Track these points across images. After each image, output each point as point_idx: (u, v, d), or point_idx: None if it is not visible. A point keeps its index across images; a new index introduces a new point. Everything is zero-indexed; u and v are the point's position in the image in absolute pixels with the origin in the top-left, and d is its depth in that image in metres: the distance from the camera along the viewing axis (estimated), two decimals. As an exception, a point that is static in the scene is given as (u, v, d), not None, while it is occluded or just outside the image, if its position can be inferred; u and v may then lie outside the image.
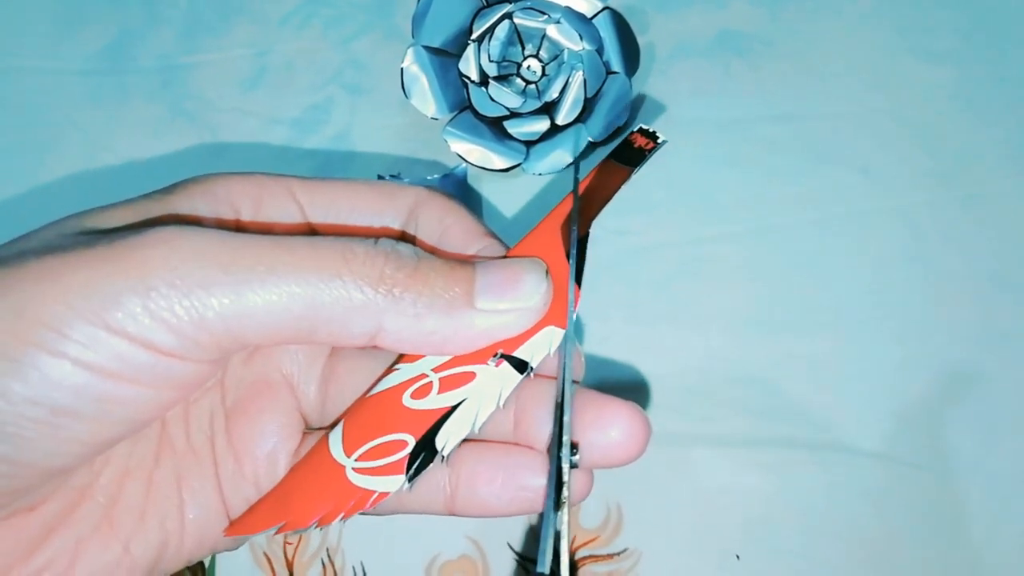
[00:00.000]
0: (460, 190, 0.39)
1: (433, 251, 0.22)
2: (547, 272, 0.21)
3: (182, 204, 0.20)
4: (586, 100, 0.39)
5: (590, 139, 0.39)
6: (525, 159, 0.39)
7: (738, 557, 0.34)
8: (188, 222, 0.20)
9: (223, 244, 0.18)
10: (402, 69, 0.39)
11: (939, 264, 0.37)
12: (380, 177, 0.39)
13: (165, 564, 0.21)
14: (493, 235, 0.23)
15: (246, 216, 0.21)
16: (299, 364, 0.23)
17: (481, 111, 0.39)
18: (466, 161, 0.38)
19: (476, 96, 0.39)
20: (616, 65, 0.39)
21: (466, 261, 0.21)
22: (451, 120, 0.39)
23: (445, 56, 0.39)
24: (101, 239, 0.18)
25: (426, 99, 0.39)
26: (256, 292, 0.18)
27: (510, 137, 0.39)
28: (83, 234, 0.19)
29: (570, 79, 0.39)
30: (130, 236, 0.18)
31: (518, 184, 0.39)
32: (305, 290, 0.18)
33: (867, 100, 0.40)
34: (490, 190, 0.39)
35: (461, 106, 0.39)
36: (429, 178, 0.39)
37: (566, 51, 0.39)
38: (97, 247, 0.17)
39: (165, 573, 0.21)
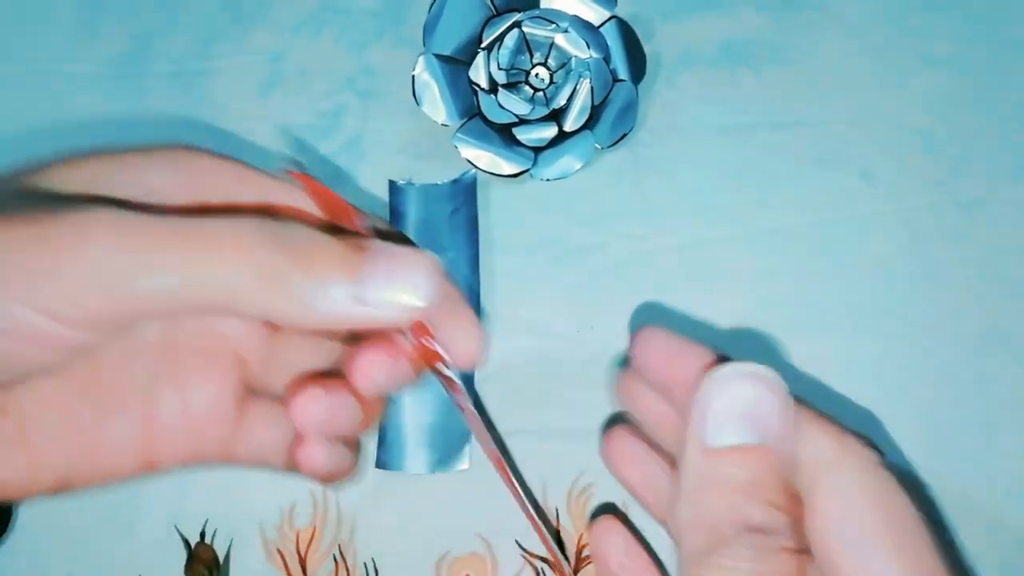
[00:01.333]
0: (469, 195, 0.40)
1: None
2: (437, 266, 0.21)
3: (150, 170, 0.22)
4: (593, 107, 0.40)
5: (597, 145, 0.39)
6: (533, 165, 0.39)
7: None
8: (147, 191, 0.21)
9: (127, 226, 0.19)
10: (413, 76, 0.40)
11: (939, 268, 0.38)
12: (391, 182, 0.40)
13: (74, 481, 0.23)
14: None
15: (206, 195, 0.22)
16: (240, 330, 0.24)
17: (490, 118, 0.40)
18: (475, 167, 0.39)
19: (485, 103, 0.40)
20: (623, 73, 0.40)
21: (360, 246, 0.21)
22: (461, 126, 0.40)
23: (455, 64, 0.40)
24: (25, 210, 0.19)
25: (436, 106, 0.40)
26: (148, 278, 0.19)
27: (519, 143, 0.40)
28: (22, 196, 0.20)
29: (577, 86, 0.39)
30: (53, 210, 0.19)
31: (526, 189, 0.40)
32: (195, 277, 0.19)
33: (868, 106, 0.41)
34: (499, 195, 0.40)
35: (471, 113, 0.40)
36: (439, 183, 0.40)
37: (574, 59, 0.40)
38: (17, 216, 0.19)
39: (74, 487, 0.23)
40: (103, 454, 0.24)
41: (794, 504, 0.20)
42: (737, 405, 0.20)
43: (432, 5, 0.40)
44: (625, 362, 0.23)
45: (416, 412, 0.37)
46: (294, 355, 0.25)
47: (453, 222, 0.39)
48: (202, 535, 0.36)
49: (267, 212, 0.23)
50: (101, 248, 0.19)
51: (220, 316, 0.23)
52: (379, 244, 0.21)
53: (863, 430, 0.36)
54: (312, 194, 0.21)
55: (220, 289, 0.19)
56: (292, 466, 0.25)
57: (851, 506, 0.19)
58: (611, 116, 0.40)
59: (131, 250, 0.19)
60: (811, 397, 0.36)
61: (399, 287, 0.20)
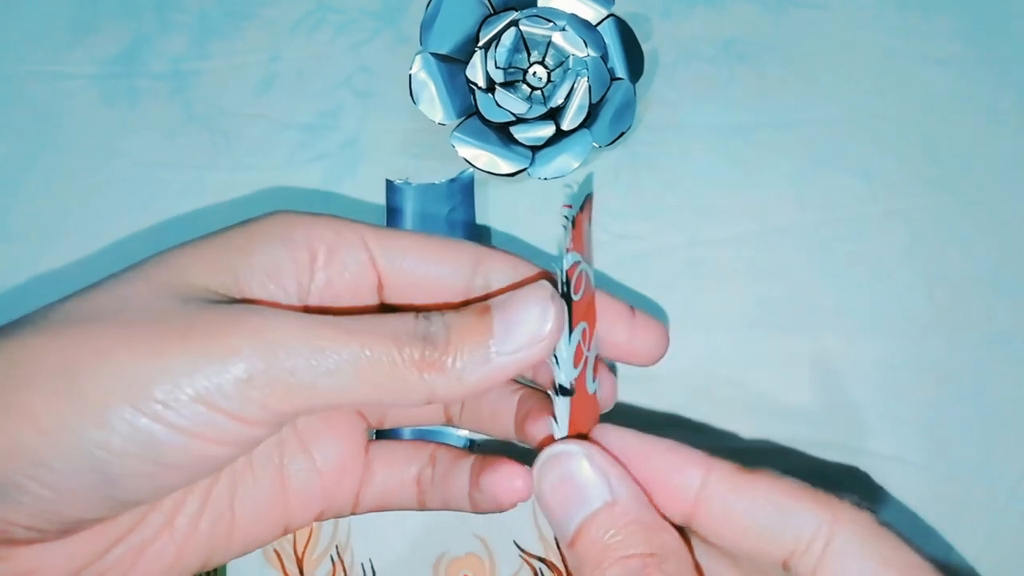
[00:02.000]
0: (467, 195, 0.40)
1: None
2: (551, 295, 0.22)
3: (261, 251, 0.23)
4: (591, 106, 0.39)
5: (595, 144, 0.39)
6: (531, 164, 0.39)
7: None
8: (267, 271, 0.23)
9: (303, 331, 0.21)
10: (410, 75, 0.39)
11: (939, 267, 0.38)
12: (388, 181, 0.40)
13: (214, 561, 0.25)
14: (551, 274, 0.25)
15: (320, 262, 0.23)
16: None
17: (488, 117, 0.40)
18: (473, 166, 0.39)
19: (483, 102, 0.40)
20: (620, 71, 0.40)
21: (484, 307, 0.22)
22: (458, 126, 0.39)
23: (452, 63, 0.40)
24: (197, 319, 0.21)
25: (434, 105, 0.39)
26: (328, 376, 0.21)
27: (516, 142, 0.39)
28: (176, 297, 0.21)
29: (575, 85, 0.39)
30: (225, 321, 0.21)
31: (524, 188, 0.40)
32: (367, 373, 0.21)
33: (869, 105, 0.40)
34: (496, 194, 0.40)
35: (468, 112, 0.40)
36: (436, 182, 0.40)
37: (571, 58, 0.40)
38: (197, 328, 0.20)
39: (213, 567, 0.25)
40: (242, 528, 0.25)
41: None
42: (557, 492, 0.22)
43: (429, 4, 0.40)
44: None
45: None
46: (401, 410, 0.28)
47: (450, 221, 0.39)
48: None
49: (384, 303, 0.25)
50: (284, 349, 0.20)
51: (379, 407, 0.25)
52: (499, 297, 0.23)
53: (863, 430, 0.36)
54: (577, 226, 0.23)
55: (388, 383, 0.21)
56: (423, 505, 0.27)
57: (862, 572, 0.19)
58: (609, 115, 0.39)
59: (310, 353, 0.21)
60: (811, 394, 0.36)
61: (528, 327, 0.22)
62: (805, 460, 0.36)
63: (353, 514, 0.27)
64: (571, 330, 0.23)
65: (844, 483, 0.35)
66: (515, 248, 0.39)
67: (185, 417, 0.20)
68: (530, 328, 0.22)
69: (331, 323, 0.21)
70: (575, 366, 0.23)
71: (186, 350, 0.20)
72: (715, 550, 0.23)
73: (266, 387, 0.20)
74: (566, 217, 0.24)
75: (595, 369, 0.25)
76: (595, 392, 0.25)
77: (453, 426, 0.29)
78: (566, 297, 0.23)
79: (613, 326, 0.25)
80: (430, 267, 0.24)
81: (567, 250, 0.23)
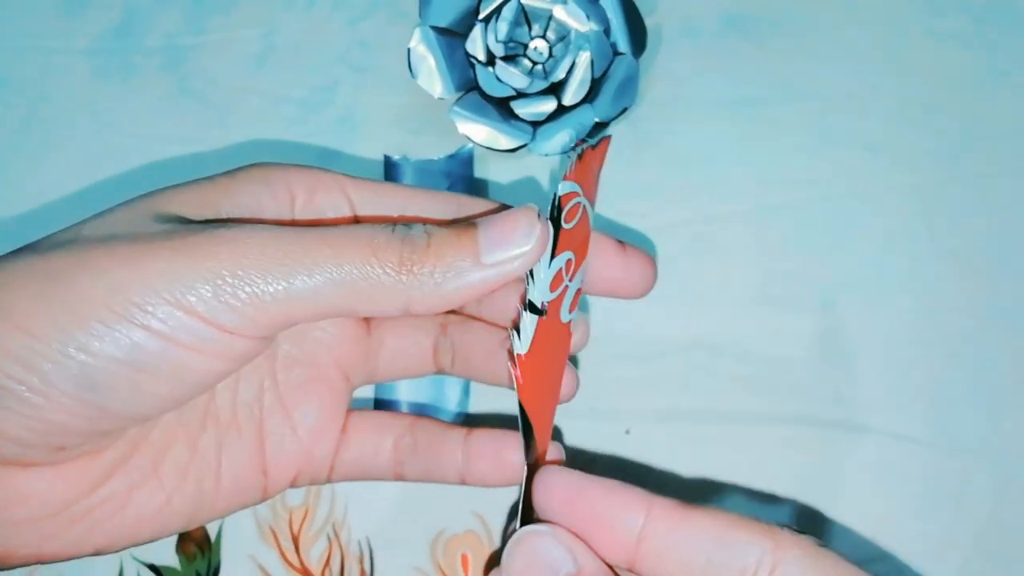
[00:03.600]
0: (466, 170, 0.39)
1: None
2: (539, 214, 0.23)
3: (243, 190, 0.24)
4: (593, 81, 0.39)
5: (597, 119, 0.39)
6: (532, 139, 0.39)
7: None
8: (249, 209, 0.24)
9: (277, 239, 0.21)
10: (409, 49, 0.39)
11: (945, 242, 0.38)
12: (387, 157, 0.39)
13: (200, 517, 0.25)
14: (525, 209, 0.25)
15: (299, 204, 0.24)
16: (342, 342, 0.27)
17: (488, 91, 0.39)
18: (472, 141, 0.39)
19: (483, 76, 0.39)
20: (623, 46, 0.39)
21: (469, 224, 0.23)
22: (458, 100, 0.39)
23: (452, 36, 0.39)
24: (176, 231, 0.21)
25: (433, 79, 0.39)
26: (303, 280, 0.21)
27: (517, 117, 0.39)
28: (158, 220, 0.22)
29: (577, 60, 0.39)
30: (203, 232, 0.21)
31: (524, 164, 0.39)
32: (342, 276, 0.21)
33: (874, 80, 0.40)
34: (496, 170, 0.39)
35: (468, 86, 0.39)
36: (435, 158, 0.39)
37: (573, 32, 0.39)
38: (175, 239, 0.21)
39: (199, 524, 0.25)
40: (225, 486, 0.25)
41: None
42: (526, 570, 0.22)
43: (428, -24, 0.39)
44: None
45: (411, 391, 0.37)
46: (389, 356, 0.29)
47: (449, 197, 0.39)
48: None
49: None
50: (258, 255, 0.21)
51: (354, 316, 0.25)
52: (486, 217, 0.23)
53: (868, 406, 0.35)
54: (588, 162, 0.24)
55: (364, 287, 0.22)
56: (399, 476, 0.27)
57: None
58: (611, 90, 0.39)
59: (283, 256, 0.21)
60: (816, 370, 0.36)
61: (513, 242, 0.22)
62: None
63: (328, 481, 0.28)
64: (553, 255, 0.23)
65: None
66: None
67: (162, 321, 0.21)
68: (514, 242, 0.22)
69: (305, 231, 0.22)
70: (551, 290, 0.24)
71: (162, 256, 0.21)
72: None
73: (239, 292, 0.21)
74: (574, 149, 0.25)
75: (574, 303, 0.25)
76: (569, 323, 0.25)
77: (445, 373, 0.29)
78: (554, 221, 0.23)
79: (605, 261, 0.26)
80: (408, 209, 0.25)
81: (564, 178, 0.23)
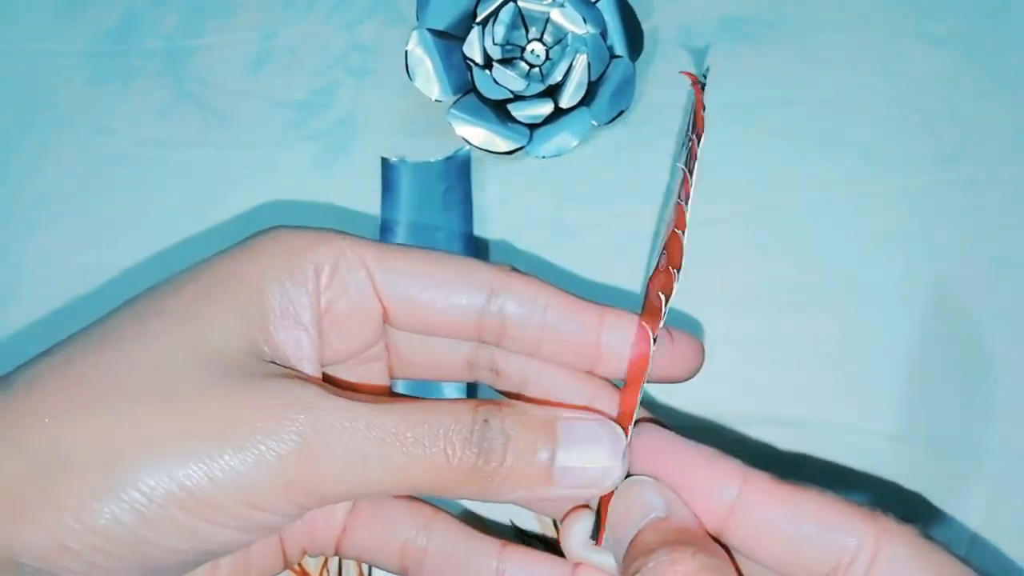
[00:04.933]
0: (463, 172, 0.39)
1: (519, 396, 0.25)
2: (623, 448, 0.22)
3: (278, 292, 0.22)
4: (590, 84, 0.39)
5: (593, 122, 0.39)
6: (528, 142, 0.39)
7: None
8: (281, 309, 0.22)
9: (351, 438, 0.20)
10: (406, 52, 0.39)
11: (940, 246, 0.38)
12: (384, 160, 0.39)
13: None
14: (590, 304, 0.24)
15: (324, 282, 0.23)
16: None
17: (485, 94, 0.39)
18: (469, 144, 0.39)
19: (480, 79, 0.39)
20: (620, 49, 0.39)
21: (549, 427, 0.22)
22: (455, 103, 0.39)
23: (449, 39, 0.39)
24: (243, 408, 0.20)
25: (430, 82, 0.39)
26: (374, 487, 0.21)
27: (514, 120, 0.39)
28: (214, 368, 0.21)
29: (574, 63, 0.39)
30: (270, 414, 0.20)
31: (521, 167, 0.39)
32: (412, 482, 0.21)
33: (869, 83, 0.40)
34: (493, 173, 0.40)
35: (465, 89, 0.39)
36: (432, 160, 0.39)
37: (570, 35, 0.39)
38: (243, 420, 0.20)
39: None
40: (257, 561, 0.25)
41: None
42: (625, 509, 0.22)
43: (426, -21, 0.39)
44: None
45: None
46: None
47: (447, 200, 0.39)
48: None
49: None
50: (328, 461, 0.20)
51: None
52: (567, 419, 0.22)
53: (864, 408, 0.35)
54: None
55: (431, 485, 0.21)
56: (403, 570, 0.26)
57: None
58: (608, 93, 0.39)
59: (357, 463, 0.20)
60: (812, 373, 0.36)
61: (590, 474, 0.22)
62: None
63: (337, 555, 0.27)
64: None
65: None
66: (511, 227, 0.39)
67: (228, 516, 0.20)
68: (592, 476, 0.22)
69: (378, 426, 0.21)
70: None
71: (234, 449, 0.20)
72: (748, 564, 0.22)
73: (305, 490, 0.20)
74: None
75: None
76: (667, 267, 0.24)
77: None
78: (689, 168, 0.23)
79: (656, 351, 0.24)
80: (438, 295, 0.23)
81: (696, 136, 0.23)
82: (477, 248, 0.38)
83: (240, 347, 0.21)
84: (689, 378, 0.26)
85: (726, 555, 0.21)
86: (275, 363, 0.22)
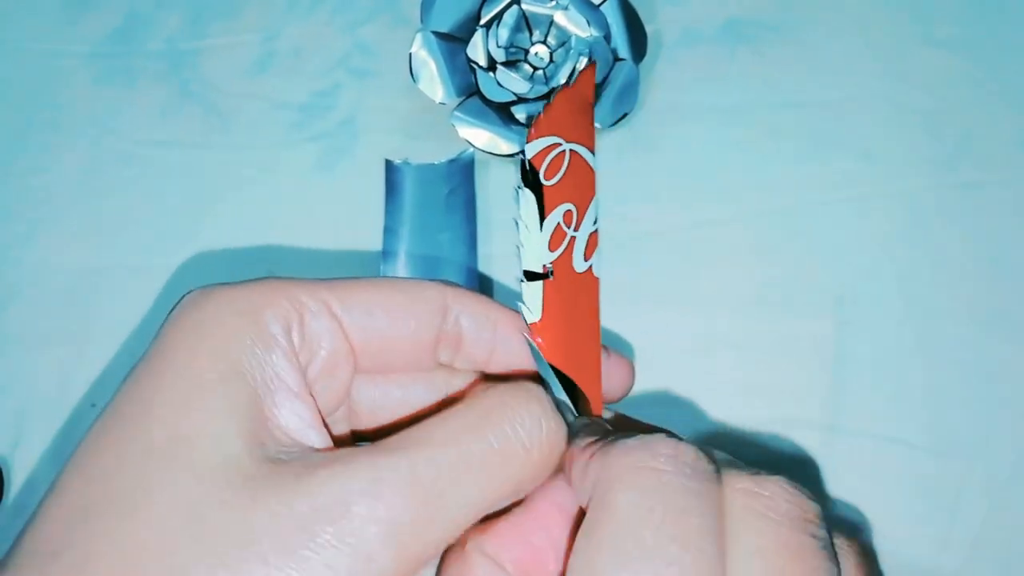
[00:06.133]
0: (467, 175, 0.39)
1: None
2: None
3: (243, 355, 0.19)
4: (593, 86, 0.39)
5: (597, 125, 0.39)
6: (532, 144, 0.39)
7: None
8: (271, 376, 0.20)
9: (420, 482, 0.18)
10: (411, 54, 0.39)
11: (939, 248, 0.38)
12: (388, 162, 0.39)
13: None
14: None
15: (298, 344, 0.21)
16: None
17: (489, 96, 0.39)
18: (473, 146, 0.39)
19: (484, 81, 0.39)
20: (623, 52, 0.40)
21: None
22: (459, 105, 0.39)
23: (453, 41, 0.39)
24: (310, 542, 0.17)
25: (434, 84, 0.39)
26: (465, 521, 0.19)
27: (517, 122, 0.39)
28: (238, 499, 0.18)
29: (577, 65, 0.39)
30: (348, 539, 0.18)
31: (525, 169, 0.40)
32: (501, 492, 0.20)
33: (870, 86, 0.40)
34: (496, 175, 0.40)
35: (469, 91, 0.39)
36: (436, 163, 0.39)
37: (574, 37, 0.39)
38: (320, 552, 0.17)
39: None
40: None
41: None
42: None
43: (430, -18, 0.39)
44: None
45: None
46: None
47: (450, 202, 0.39)
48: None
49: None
50: (397, 519, 0.18)
51: None
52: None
53: (864, 410, 0.35)
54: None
55: (515, 491, 0.20)
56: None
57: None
58: (612, 96, 0.39)
59: (427, 507, 0.18)
60: (811, 374, 0.36)
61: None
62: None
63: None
64: (542, 216, 0.23)
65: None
66: (514, 229, 0.39)
67: None
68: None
69: (434, 463, 0.19)
70: (552, 250, 0.24)
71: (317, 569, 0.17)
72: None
73: (407, 563, 0.18)
74: (544, 97, 0.24)
75: (590, 249, 0.25)
76: (590, 268, 0.25)
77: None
78: (534, 185, 0.23)
79: None
80: (399, 323, 0.22)
81: (528, 139, 0.23)
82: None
83: (245, 449, 0.18)
84: (621, 398, 0.26)
85: None
86: (281, 456, 0.19)
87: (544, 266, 0.24)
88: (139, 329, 0.37)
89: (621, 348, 0.37)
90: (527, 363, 0.24)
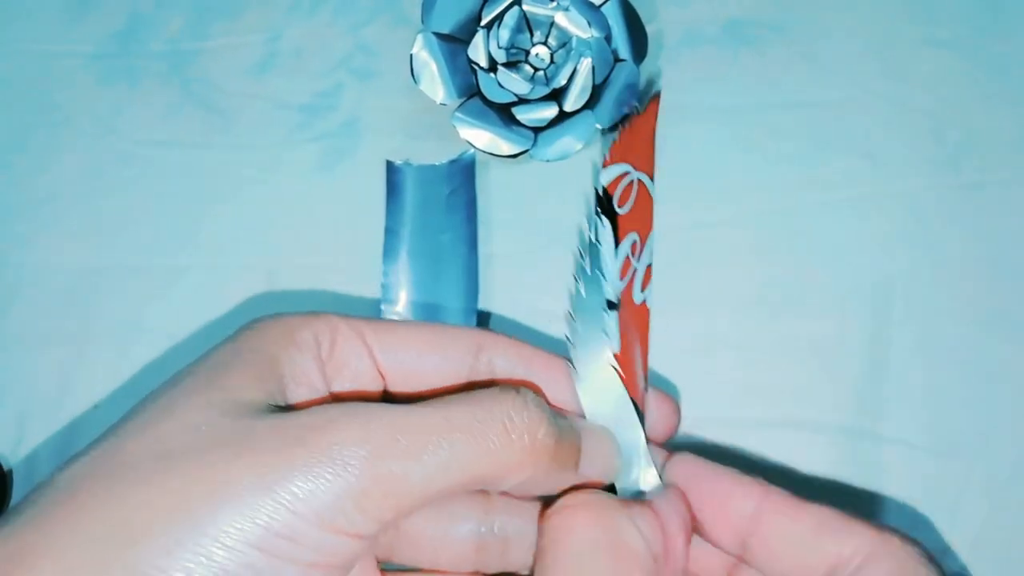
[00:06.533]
0: (467, 176, 0.40)
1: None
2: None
3: (290, 359, 0.22)
4: (594, 87, 0.39)
5: (598, 126, 0.39)
6: (533, 145, 0.39)
7: None
8: (297, 375, 0.22)
9: (419, 433, 0.20)
10: (412, 55, 0.39)
11: (941, 248, 0.38)
12: (389, 162, 0.40)
13: None
14: (562, 359, 0.26)
15: (324, 357, 0.23)
16: None
17: (490, 97, 0.39)
18: (474, 147, 0.39)
19: (485, 82, 0.39)
20: (624, 52, 0.40)
21: (575, 434, 0.23)
22: (460, 106, 0.39)
23: (454, 42, 0.39)
24: (289, 431, 0.20)
25: (435, 85, 0.39)
26: (440, 481, 0.20)
27: (518, 123, 0.39)
28: (252, 415, 0.21)
29: (578, 66, 0.39)
30: (323, 430, 0.20)
31: (526, 170, 0.40)
32: (477, 465, 0.21)
33: (872, 87, 0.40)
34: (497, 176, 0.40)
35: (470, 92, 0.39)
36: (437, 163, 0.39)
37: (574, 38, 0.39)
38: (305, 440, 0.20)
39: None
40: None
41: None
42: None
43: (431, -18, 0.39)
44: None
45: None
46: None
47: (451, 202, 0.39)
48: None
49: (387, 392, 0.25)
50: (388, 454, 0.20)
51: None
52: (587, 431, 0.24)
53: (865, 411, 0.36)
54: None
55: (491, 471, 0.21)
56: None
57: None
58: (612, 96, 0.39)
59: (407, 448, 0.20)
60: (813, 375, 0.36)
61: (604, 471, 0.24)
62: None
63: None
64: (617, 243, 0.23)
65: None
66: (515, 229, 0.39)
67: (307, 548, 0.19)
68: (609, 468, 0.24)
69: (428, 413, 0.21)
70: (621, 278, 0.24)
71: (302, 472, 0.19)
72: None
73: (380, 497, 0.20)
74: (616, 125, 0.24)
75: (645, 280, 0.25)
76: (643, 302, 0.25)
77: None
78: (609, 212, 0.23)
79: None
80: (431, 359, 0.24)
81: (604, 164, 0.23)
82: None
83: (268, 404, 0.21)
84: (665, 440, 0.27)
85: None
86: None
87: (618, 296, 0.23)
88: (140, 329, 0.38)
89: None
90: (559, 402, 0.25)
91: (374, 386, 0.24)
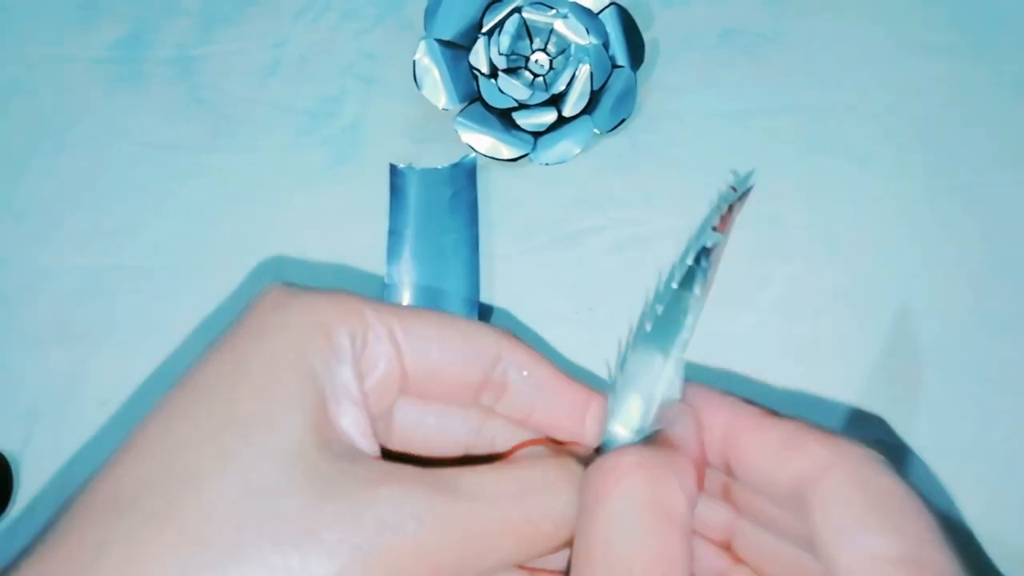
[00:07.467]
0: (469, 179, 0.40)
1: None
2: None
3: (317, 361, 0.21)
4: (592, 93, 0.40)
5: (596, 131, 0.40)
6: (533, 149, 0.40)
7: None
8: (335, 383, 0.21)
9: (444, 540, 0.20)
10: (414, 61, 0.40)
11: (934, 251, 0.39)
12: (392, 166, 0.40)
13: None
14: (581, 386, 0.25)
15: (358, 357, 0.22)
16: None
17: (490, 102, 0.40)
18: (475, 151, 0.40)
19: (486, 88, 0.40)
20: (621, 59, 0.40)
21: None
22: (461, 111, 0.40)
23: (456, 49, 0.40)
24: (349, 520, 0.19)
25: (437, 90, 0.40)
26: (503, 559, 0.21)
27: (518, 128, 0.40)
28: (313, 480, 0.19)
29: (577, 72, 0.40)
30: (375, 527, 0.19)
31: (525, 173, 0.40)
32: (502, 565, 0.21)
33: (866, 93, 0.41)
34: (498, 179, 0.40)
35: (471, 97, 0.40)
36: (440, 167, 0.40)
37: (573, 45, 0.40)
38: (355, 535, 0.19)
39: None
40: None
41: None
42: None
43: (433, -10, 0.40)
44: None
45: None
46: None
47: (453, 205, 0.40)
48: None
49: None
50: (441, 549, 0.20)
51: None
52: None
53: (858, 413, 0.36)
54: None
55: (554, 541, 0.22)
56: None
57: (847, 500, 0.20)
58: (610, 102, 0.40)
59: (461, 552, 0.20)
60: (807, 377, 0.37)
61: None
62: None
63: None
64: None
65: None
66: (515, 232, 0.40)
67: None
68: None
69: (469, 515, 0.21)
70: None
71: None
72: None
73: None
74: (726, 200, 0.26)
75: None
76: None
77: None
78: (704, 271, 0.25)
79: None
80: (454, 361, 0.24)
81: (714, 229, 0.24)
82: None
83: (315, 443, 0.20)
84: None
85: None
86: (343, 458, 0.21)
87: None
88: (148, 329, 0.38)
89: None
90: (555, 431, 0.25)
91: (395, 386, 0.23)
